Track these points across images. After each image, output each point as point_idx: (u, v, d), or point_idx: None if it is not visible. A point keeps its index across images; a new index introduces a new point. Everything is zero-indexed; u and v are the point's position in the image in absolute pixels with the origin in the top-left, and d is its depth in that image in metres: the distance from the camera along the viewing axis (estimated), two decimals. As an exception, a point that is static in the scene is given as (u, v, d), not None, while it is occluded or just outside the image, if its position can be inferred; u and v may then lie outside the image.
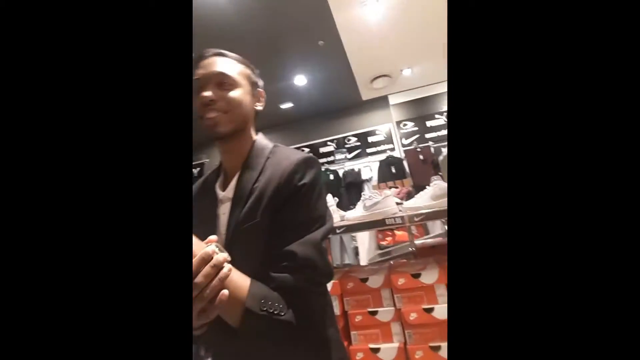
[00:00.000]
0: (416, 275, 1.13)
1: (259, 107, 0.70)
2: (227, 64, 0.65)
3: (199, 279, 0.41)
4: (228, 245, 0.59)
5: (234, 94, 0.63)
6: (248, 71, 0.69)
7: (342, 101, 4.61)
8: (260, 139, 0.70)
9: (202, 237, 0.48)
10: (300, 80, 3.89)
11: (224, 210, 0.64)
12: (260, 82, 0.72)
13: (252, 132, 0.70)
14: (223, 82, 0.63)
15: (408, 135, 4.46)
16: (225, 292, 0.44)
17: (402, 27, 3.06)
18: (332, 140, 4.82)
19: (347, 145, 4.76)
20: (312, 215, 0.58)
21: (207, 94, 0.61)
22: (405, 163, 4.26)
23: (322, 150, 4.84)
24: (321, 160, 4.76)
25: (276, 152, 0.66)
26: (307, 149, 4.84)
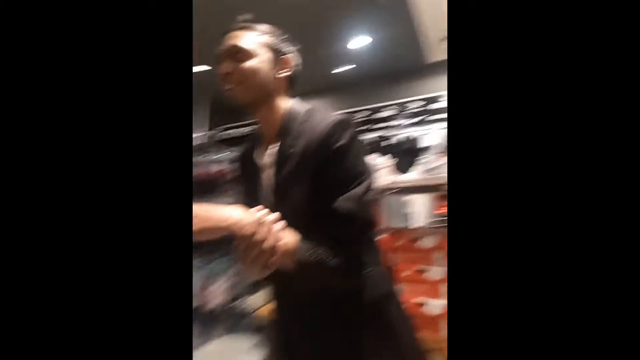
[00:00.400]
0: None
1: (284, 73, 0.71)
2: (244, 36, 0.67)
3: (258, 236, 0.49)
4: (273, 210, 0.62)
5: (248, 64, 0.65)
6: (269, 40, 0.69)
7: (407, 63, 4.34)
8: (294, 104, 0.71)
9: (249, 204, 0.55)
10: (362, 40, 3.74)
11: (265, 178, 0.68)
12: (288, 49, 0.72)
13: (283, 99, 0.71)
14: (237, 53, 0.66)
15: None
16: (280, 243, 0.51)
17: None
18: (392, 105, 4.64)
19: (408, 111, 4.55)
20: (351, 174, 0.61)
21: (221, 67, 0.66)
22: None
23: (382, 114, 4.71)
24: (379, 125, 4.64)
25: (311, 115, 0.67)
26: (365, 113, 4.75)
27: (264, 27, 0.71)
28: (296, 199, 0.62)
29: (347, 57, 4.12)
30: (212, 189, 2.67)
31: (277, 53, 0.70)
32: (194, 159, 2.56)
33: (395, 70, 4.49)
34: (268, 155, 0.69)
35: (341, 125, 0.63)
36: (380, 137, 4.42)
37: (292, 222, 0.57)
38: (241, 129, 5.07)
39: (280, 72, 0.70)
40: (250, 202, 0.60)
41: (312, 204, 0.61)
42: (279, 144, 0.67)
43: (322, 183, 0.60)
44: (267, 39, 0.69)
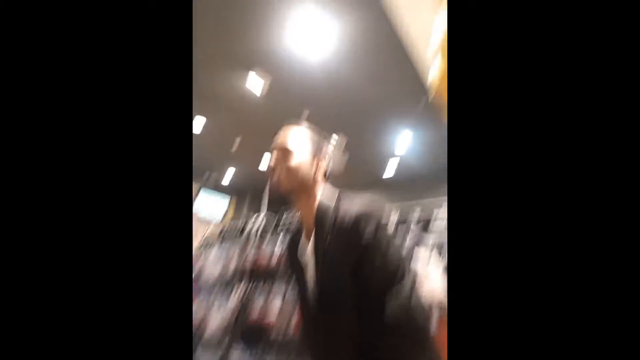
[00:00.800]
0: None
1: (321, 169, 0.77)
2: (291, 135, 0.77)
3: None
4: (319, 311, 0.67)
5: (290, 162, 0.73)
6: (315, 137, 0.79)
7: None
8: (325, 194, 0.74)
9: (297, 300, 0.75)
10: (404, 135, 3.98)
11: (308, 275, 0.73)
12: (327, 147, 0.80)
13: (319, 189, 0.76)
14: (283, 151, 0.75)
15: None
16: None
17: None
18: (443, 202, 4.47)
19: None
20: (385, 274, 0.60)
21: (270, 163, 0.76)
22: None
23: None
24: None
25: (340, 208, 0.69)
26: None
27: (308, 124, 0.81)
28: (339, 300, 0.63)
29: (393, 151, 4.35)
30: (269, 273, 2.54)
31: (317, 150, 0.78)
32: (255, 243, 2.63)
33: (440, 163, 4.59)
34: (308, 251, 0.73)
35: (364, 220, 0.63)
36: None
37: (337, 325, 0.62)
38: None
39: (319, 167, 0.76)
40: (298, 298, 0.73)
41: (355, 304, 0.61)
42: (315, 240, 0.70)
43: (362, 283, 0.61)
44: (309, 136, 0.79)
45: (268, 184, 0.70)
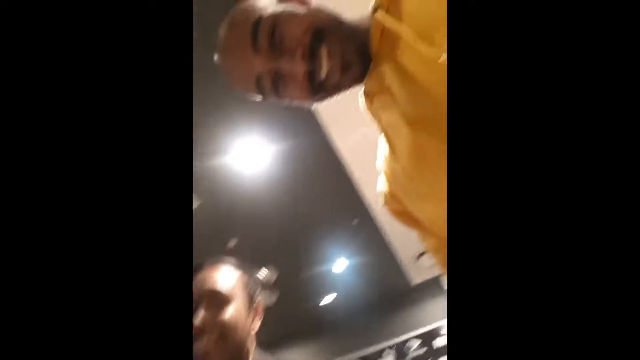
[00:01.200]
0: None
1: (257, 326, 0.62)
2: (222, 277, 0.59)
3: None
4: None
5: (225, 317, 0.55)
6: (246, 280, 0.62)
7: (390, 290, 4.16)
8: None
9: None
10: (339, 265, 3.75)
11: None
12: (258, 294, 0.64)
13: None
14: (214, 299, 0.56)
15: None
16: None
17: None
18: (389, 347, 3.93)
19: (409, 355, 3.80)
20: None
21: (196, 321, 0.53)
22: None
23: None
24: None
25: None
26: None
27: (234, 261, 0.64)
28: None
29: (329, 285, 3.96)
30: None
31: (252, 298, 0.61)
32: None
33: (381, 296, 4.20)
34: None
35: None
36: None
37: None
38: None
39: (254, 322, 0.61)
40: None
41: None
42: None
43: None
44: (243, 278, 0.62)
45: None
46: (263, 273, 3.63)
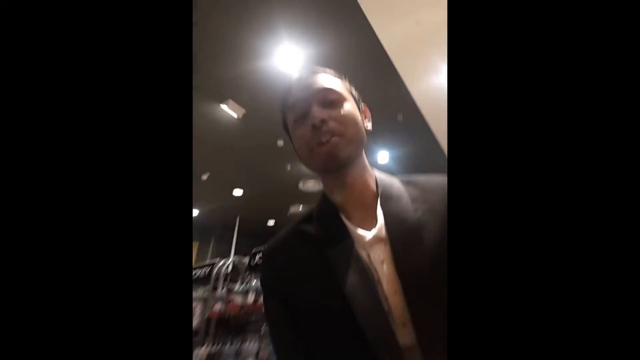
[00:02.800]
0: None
1: (369, 125, 0.57)
2: (326, 79, 0.53)
3: None
4: (419, 294, 0.43)
5: (345, 110, 0.50)
6: (347, 84, 0.56)
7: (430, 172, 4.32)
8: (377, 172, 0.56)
9: (359, 293, 0.43)
10: (382, 157, 3.85)
11: (376, 257, 0.47)
12: (360, 99, 0.58)
13: (367, 159, 0.56)
14: (330, 99, 0.51)
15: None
16: None
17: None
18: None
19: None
20: None
21: (317, 113, 0.48)
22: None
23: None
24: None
25: (412, 181, 0.55)
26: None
27: (331, 70, 0.56)
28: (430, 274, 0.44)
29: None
30: (240, 327, 2.12)
31: (357, 101, 0.56)
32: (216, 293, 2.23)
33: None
34: (378, 227, 0.49)
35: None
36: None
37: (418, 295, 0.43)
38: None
39: (366, 122, 0.56)
40: (354, 285, 0.44)
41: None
42: (388, 212, 0.49)
43: None
44: (344, 82, 0.56)
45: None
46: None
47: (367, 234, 0.48)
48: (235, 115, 3.25)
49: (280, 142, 3.53)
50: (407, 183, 0.54)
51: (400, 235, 0.47)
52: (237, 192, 5.01)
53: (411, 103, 2.93)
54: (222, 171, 4.35)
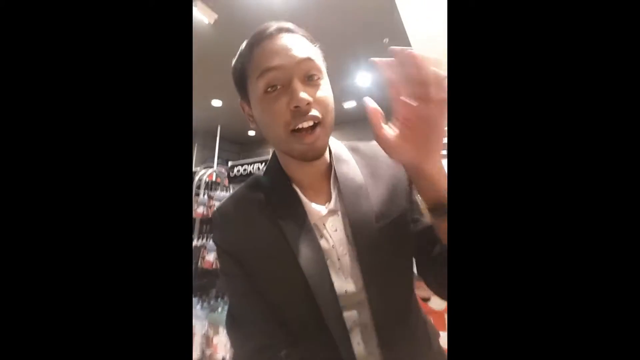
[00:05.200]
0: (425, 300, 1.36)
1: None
2: (307, 46, 0.47)
3: None
4: (368, 250, 0.48)
5: (324, 90, 0.46)
6: (320, 52, 0.50)
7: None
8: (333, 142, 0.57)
9: (310, 272, 0.46)
10: (364, 79, 3.84)
11: (331, 227, 0.50)
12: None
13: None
14: (311, 74, 0.45)
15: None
16: None
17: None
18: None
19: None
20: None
21: (304, 95, 0.42)
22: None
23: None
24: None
25: (357, 148, 0.58)
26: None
27: (305, 32, 0.50)
28: (401, 228, 0.51)
29: (352, 94, 4.21)
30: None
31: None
32: (199, 198, 2.48)
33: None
34: (333, 201, 0.51)
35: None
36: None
37: (399, 251, 0.51)
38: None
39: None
40: (306, 256, 0.47)
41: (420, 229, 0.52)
42: (339, 183, 0.51)
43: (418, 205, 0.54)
44: (320, 53, 0.50)
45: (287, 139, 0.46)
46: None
47: (322, 209, 0.49)
48: (206, 21, 2.94)
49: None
50: (350, 149, 0.56)
51: (351, 194, 0.49)
52: (216, 102, 4.93)
53: (400, 27, 2.82)
54: (198, 82, 4.13)
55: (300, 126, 0.43)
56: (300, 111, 0.43)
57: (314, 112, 0.44)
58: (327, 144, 0.49)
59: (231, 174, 2.77)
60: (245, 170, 2.72)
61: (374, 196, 0.50)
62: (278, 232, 0.48)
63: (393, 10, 2.63)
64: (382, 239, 0.48)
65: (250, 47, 0.46)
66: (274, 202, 0.51)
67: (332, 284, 0.46)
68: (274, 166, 0.54)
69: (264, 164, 2.68)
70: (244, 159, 2.82)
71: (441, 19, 2.68)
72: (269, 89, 0.44)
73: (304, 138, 0.44)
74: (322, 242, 0.48)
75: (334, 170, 0.52)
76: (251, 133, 6.45)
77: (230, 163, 2.84)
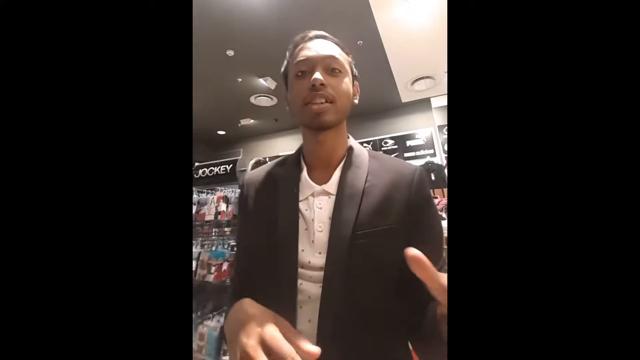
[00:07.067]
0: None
1: (356, 100, 0.65)
2: (335, 49, 0.61)
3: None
4: (340, 248, 0.53)
5: (342, 81, 0.59)
6: (350, 59, 0.64)
7: (380, 103, 4.49)
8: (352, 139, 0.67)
9: (283, 231, 0.56)
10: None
11: (318, 203, 0.58)
12: (357, 74, 0.67)
13: (345, 128, 0.66)
14: (333, 67, 0.58)
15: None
16: None
17: (445, 27, 2.90)
18: (367, 142, 4.70)
19: (383, 148, 4.62)
20: (440, 222, 0.61)
21: (319, 76, 0.55)
22: (446, 171, 4.02)
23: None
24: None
25: (378, 157, 0.65)
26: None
27: (338, 41, 0.64)
28: (382, 240, 0.54)
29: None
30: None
31: (354, 77, 0.65)
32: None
33: (372, 108, 4.62)
34: (331, 183, 0.59)
35: (425, 175, 0.63)
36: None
37: (373, 264, 0.53)
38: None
39: (355, 97, 0.65)
40: (282, 226, 0.57)
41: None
42: (345, 173, 0.60)
43: (422, 229, 0.57)
44: (347, 56, 0.63)
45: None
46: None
47: (317, 186, 0.59)
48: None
49: (230, 52, 3.25)
50: (373, 157, 0.64)
51: (344, 195, 0.57)
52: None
53: (374, 31, 2.86)
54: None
55: (312, 100, 0.56)
56: (315, 89, 0.56)
57: (327, 92, 0.56)
58: (334, 121, 0.58)
59: (195, 176, 2.64)
60: (211, 171, 2.60)
61: (367, 203, 0.56)
62: (274, 194, 0.61)
63: (368, 14, 2.65)
64: (354, 248, 0.53)
65: (293, 48, 0.62)
66: (283, 172, 0.64)
67: (296, 250, 0.54)
68: (297, 152, 0.67)
69: (231, 165, 2.57)
70: (212, 160, 2.70)
71: (417, 24, 2.75)
72: (299, 74, 0.59)
73: (312, 106, 0.56)
74: (307, 213, 0.58)
75: (342, 167, 0.61)
76: (221, 132, 6.26)
77: (196, 164, 2.73)
